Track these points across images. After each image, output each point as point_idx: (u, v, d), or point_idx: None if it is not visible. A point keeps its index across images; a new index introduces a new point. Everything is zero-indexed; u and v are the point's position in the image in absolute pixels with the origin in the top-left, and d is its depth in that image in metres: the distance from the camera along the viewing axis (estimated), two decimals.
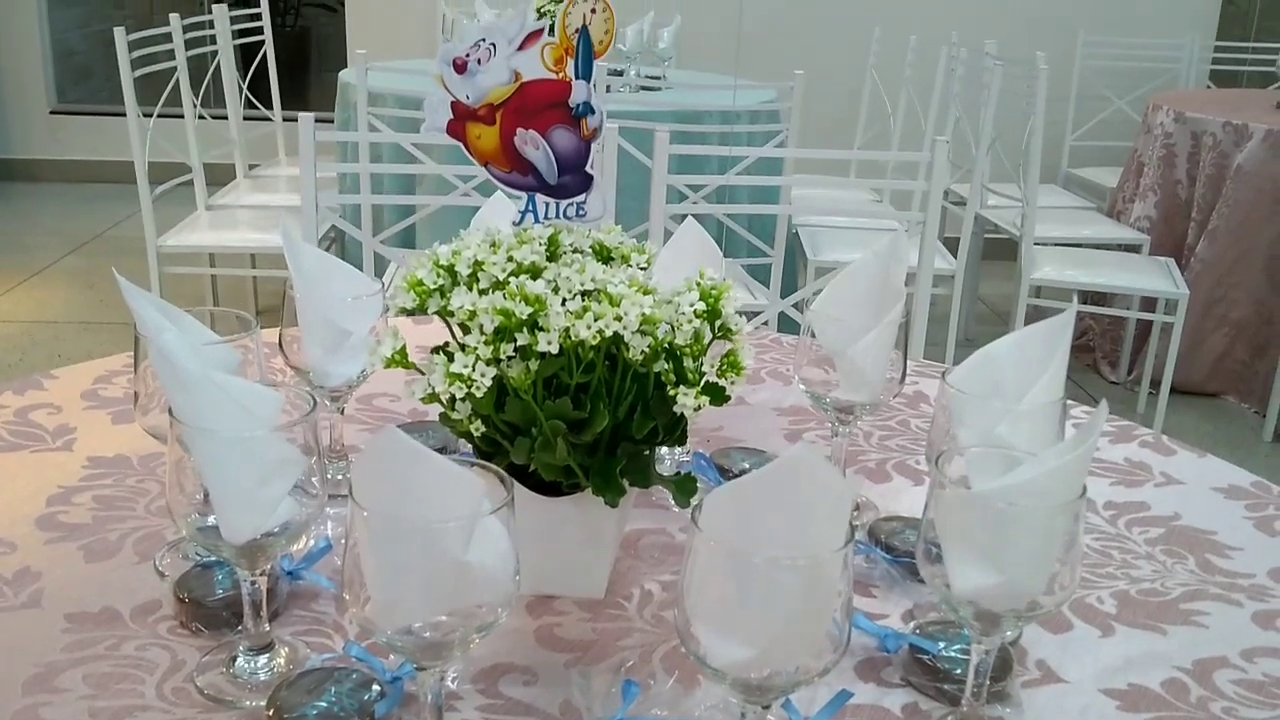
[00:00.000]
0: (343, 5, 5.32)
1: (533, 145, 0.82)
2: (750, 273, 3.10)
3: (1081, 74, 4.74)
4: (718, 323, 0.88)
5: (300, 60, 7.69)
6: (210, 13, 3.84)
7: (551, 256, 0.89)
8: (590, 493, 0.86)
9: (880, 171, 4.32)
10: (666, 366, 0.85)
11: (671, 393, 0.84)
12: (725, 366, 0.87)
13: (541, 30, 0.79)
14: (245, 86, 4.11)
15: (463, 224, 3.15)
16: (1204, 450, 1.29)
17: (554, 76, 0.81)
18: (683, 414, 0.86)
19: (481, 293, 0.83)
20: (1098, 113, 4.71)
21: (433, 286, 0.84)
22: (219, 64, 3.84)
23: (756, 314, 2.12)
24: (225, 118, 3.92)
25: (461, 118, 0.80)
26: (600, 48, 0.82)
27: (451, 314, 0.83)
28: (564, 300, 0.81)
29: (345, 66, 5.18)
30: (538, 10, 3.22)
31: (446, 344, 0.86)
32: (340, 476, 1.12)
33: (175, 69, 3.43)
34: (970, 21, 4.63)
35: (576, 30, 0.80)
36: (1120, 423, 1.36)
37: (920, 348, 2.22)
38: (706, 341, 0.87)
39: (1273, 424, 3.51)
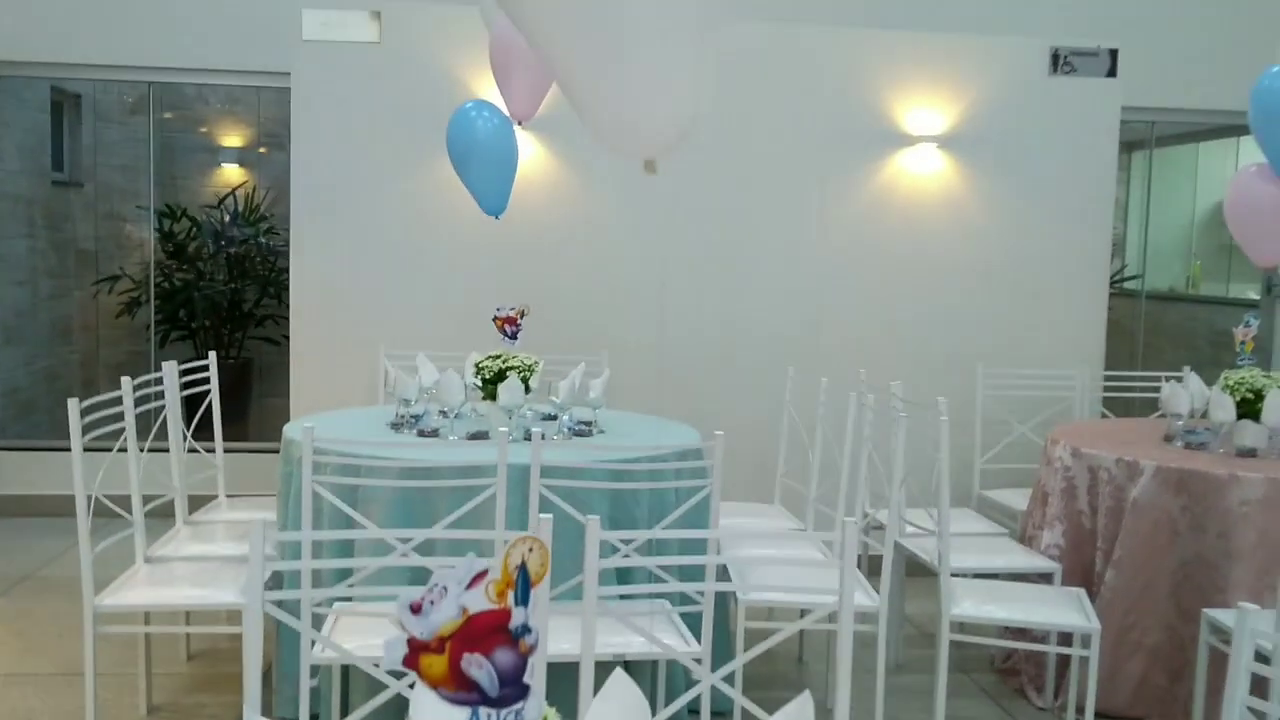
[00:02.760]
0: (286, 339, 5.55)
1: (477, 666, 0.94)
2: (681, 616, 3.20)
3: (984, 402, 5.07)
4: None
5: (242, 388, 7.91)
6: (153, 356, 4.03)
7: None
8: None
9: (801, 504, 4.50)
10: None
11: None
12: None
13: (486, 571, 0.93)
14: (189, 432, 4.25)
15: (401, 581, 3.17)
16: None
17: (496, 607, 0.94)
18: None
19: None
20: (1003, 437, 5.01)
21: None
22: (164, 417, 3.99)
23: (693, 681, 2.20)
24: (167, 450, 4.03)
25: (416, 651, 0.92)
26: (536, 578, 0.95)
27: None
28: None
29: (287, 393, 5.35)
30: (475, 367, 3.42)
31: None
32: None
33: (124, 427, 3.57)
34: (877, 360, 4.98)
35: (517, 567, 0.94)
36: None
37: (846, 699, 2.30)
38: None
39: None
